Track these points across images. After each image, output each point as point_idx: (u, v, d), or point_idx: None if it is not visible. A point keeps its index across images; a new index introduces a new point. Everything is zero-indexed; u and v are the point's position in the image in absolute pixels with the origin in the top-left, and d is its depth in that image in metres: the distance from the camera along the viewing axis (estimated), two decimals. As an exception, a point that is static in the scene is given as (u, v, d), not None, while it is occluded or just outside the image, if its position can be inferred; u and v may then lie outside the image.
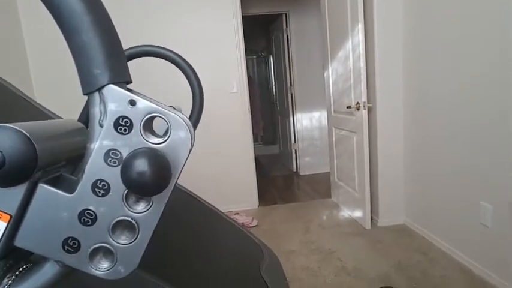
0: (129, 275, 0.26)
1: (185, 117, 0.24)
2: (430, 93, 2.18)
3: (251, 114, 3.19)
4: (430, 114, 2.20)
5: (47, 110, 0.74)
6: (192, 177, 2.94)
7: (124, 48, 0.78)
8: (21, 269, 0.25)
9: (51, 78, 2.82)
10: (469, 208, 1.88)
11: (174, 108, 0.73)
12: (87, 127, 0.24)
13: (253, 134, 3.29)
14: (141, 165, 0.20)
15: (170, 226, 0.65)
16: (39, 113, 0.71)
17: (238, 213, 3.01)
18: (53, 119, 0.70)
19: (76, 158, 0.27)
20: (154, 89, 2.95)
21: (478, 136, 1.78)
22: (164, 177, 0.21)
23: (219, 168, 3.17)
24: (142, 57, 0.81)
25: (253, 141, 3.30)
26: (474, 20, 1.75)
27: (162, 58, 0.81)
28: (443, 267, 1.96)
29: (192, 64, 0.79)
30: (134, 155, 0.21)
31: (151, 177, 0.20)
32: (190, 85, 0.82)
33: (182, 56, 0.80)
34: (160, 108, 0.22)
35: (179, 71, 0.80)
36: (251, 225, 2.82)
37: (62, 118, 0.71)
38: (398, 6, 2.39)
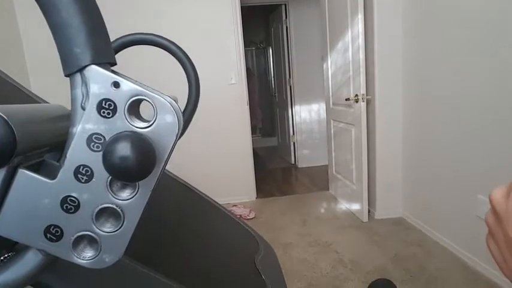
0: (122, 266, 0.25)
1: (172, 101, 0.23)
2: (429, 85, 2.17)
3: (249, 106, 3.17)
4: (429, 107, 2.19)
5: (41, 100, 0.73)
6: (190, 169, 2.95)
7: (119, 36, 0.76)
8: (2, 258, 0.24)
9: (47, 67, 2.79)
10: (466, 201, 1.88)
11: (170, 97, 0.71)
12: None
13: (251, 126, 3.28)
14: (123, 149, 0.19)
15: (165, 217, 0.64)
16: (32, 102, 0.70)
17: (236, 205, 3.02)
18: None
19: (61, 144, 0.26)
20: (149, 78, 2.93)
21: (477, 129, 1.78)
22: (148, 163, 0.20)
23: (217, 160, 3.16)
24: (137, 46, 0.80)
25: (252, 133, 3.29)
26: (476, 8, 1.73)
27: (157, 46, 0.80)
28: (439, 260, 1.97)
29: (189, 55, 0.78)
30: (116, 139, 0.20)
31: (134, 162, 0.19)
32: (186, 74, 0.80)
33: (180, 44, 0.79)
34: (145, 90, 0.21)
35: (175, 60, 0.78)
36: (249, 217, 2.82)
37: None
38: (399, -2, 2.36)
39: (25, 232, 0.22)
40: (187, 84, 0.80)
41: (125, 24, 2.82)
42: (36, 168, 0.23)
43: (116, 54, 0.80)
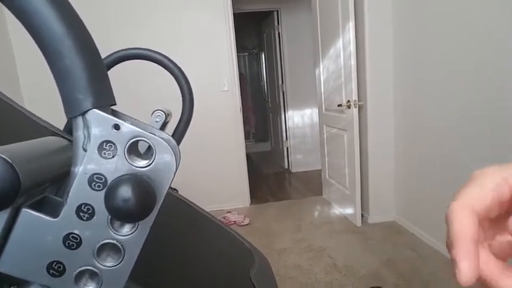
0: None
1: (170, 139, 0.24)
2: (420, 90, 2.21)
3: (242, 111, 3.19)
4: (421, 111, 2.22)
5: (36, 116, 0.73)
6: (183, 176, 2.93)
7: (113, 50, 0.77)
8: (5, 293, 0.24)
9: (40, 81, 2.77)
10: (457, 205, 1.91)
11: (164, 112, 0.71)
12: (71, 134, 0.24)
13: (244, 131, 3.29)
14: (124, 194, 0.20)
15: (154, 231, 0.64)
16: (26, 119, 0.70)
17: (230, 212, 3.02)
18: (43, 126, 0.69)
19: (61, 177, 0.26)
20: (147, 91, 2.93)
21: (469, 134, 1.81)
22: (148, 205, 0.21)
23: (211, 166, 3.16)
24: (134, 60, 0.81)
25: (245, 139, 3.31)
26: (465, 14, 1.77)
27: (151, 61, 0.81)
28: (432, 264, 2.00)
29: (182, 62, 0.79)
30: (117, 183, 0.21)
31: (135, 206, 0.20)
32: (180, 87, 0.81)
33: (173, 52, 0.80)
34: (144, 132, 0.22)
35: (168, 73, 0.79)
36: (243, 224, 2.82)
37: (51, 124, 0.70)
38: (388, 4, 2.40)
39: (28, 269, 0.23)
40: (180, 94, 0.81)
41: (117, 33, 2.82)
42: (38, 206, 0.23)
43: (110, 68, 0.80)
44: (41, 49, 0.21)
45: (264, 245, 2.35)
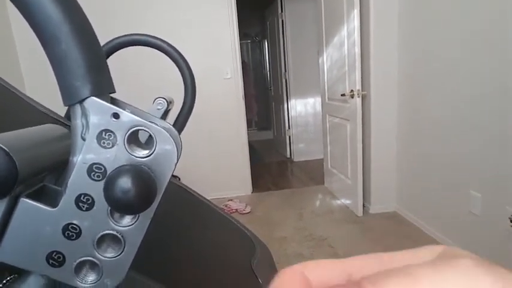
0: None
1: (171, 128, 0.24)
2: (424, 81, 2.18)
3: (245, 99, 3.17)
4: (425, 102, 2.20)
5: (37, 103, 0.73)
6: (185, 164, 2.94)
7: (114, 36, 0.75)
8: (4, 281, 0.24)
9: (41, 67, 2.76)
10: (459, 197, 1.91)
11: (166, 100, 0.71)
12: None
13: (247, 119, 3.28)
14: (125, 185, 0.20)
15: (155, 219, 0.64)
16: (27, 106, 0.69)
17: (231, 200, 3.03)
18: (44, 112, 0.68)
19: (60, 164, 0.26)
20: (148, 78, 2.91)
21: (472, 127, 1.79)
22: (149, 196, 0.20)
23: (213, 154, 3.17)
24: (134, 47, 0.79)
25: (247, 127, 3.30)
26: (473, 4, 1.73)
27: (152, 47, 0.80)
28: (432, 254, 2.01)
29: (184, 49, 0.78)
30: (117, 173, 0.20)
31: (136, 197, 0.19)
32: (182, 74, 0.80)
33: (175, 39, 0.79)
34: (144, 121, 0.21)
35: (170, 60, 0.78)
36: (244, 212, 2.84)
37: (52, 111, 0.69)
38: (395, -7, 2.36)
39: (27, 259, 0.22)
40: (182, 82, 0.81)
41: (118, 22, 2.78)
42: (37, 195, 0.23)
43: (110, 55, 0.79)
44: (37, 34, 0.20)
45: (265, 233, 2.36)
